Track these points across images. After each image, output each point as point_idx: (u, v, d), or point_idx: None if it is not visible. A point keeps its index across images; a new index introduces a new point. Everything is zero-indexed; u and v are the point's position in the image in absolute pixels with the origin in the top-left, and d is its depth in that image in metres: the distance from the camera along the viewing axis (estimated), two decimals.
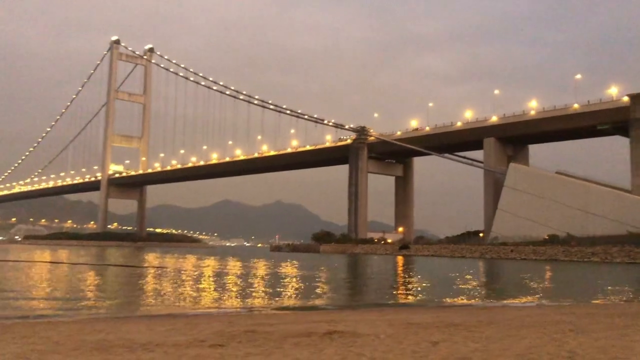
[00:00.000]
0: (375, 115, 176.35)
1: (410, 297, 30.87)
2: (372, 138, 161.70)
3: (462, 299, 29.18)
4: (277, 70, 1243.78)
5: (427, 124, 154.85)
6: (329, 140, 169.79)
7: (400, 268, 68.24)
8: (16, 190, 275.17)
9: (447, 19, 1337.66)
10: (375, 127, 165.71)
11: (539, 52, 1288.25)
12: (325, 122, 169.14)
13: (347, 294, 32.69)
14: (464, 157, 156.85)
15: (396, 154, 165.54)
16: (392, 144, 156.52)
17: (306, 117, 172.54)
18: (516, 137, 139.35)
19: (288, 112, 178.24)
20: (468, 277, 49.07)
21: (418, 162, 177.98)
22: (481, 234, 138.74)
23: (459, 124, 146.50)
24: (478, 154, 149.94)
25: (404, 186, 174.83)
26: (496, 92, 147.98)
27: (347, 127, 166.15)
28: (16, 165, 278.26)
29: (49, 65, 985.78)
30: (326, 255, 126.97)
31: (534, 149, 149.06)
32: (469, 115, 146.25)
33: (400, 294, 32.98)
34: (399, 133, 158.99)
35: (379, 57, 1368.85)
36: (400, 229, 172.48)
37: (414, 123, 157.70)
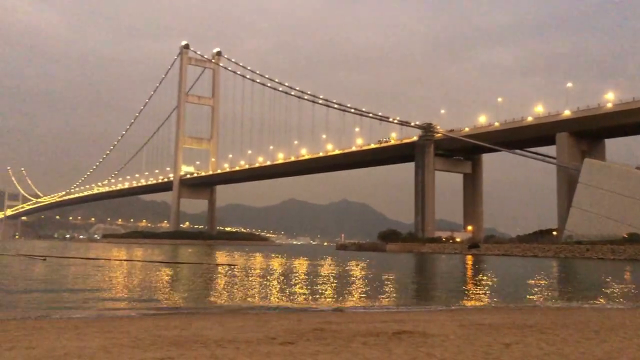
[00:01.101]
0: (442, 111, 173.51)
1: (480, 297, 30.17)
2: (439, 135, 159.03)
3: (535, 300, 28.24)
4: (341, 69, 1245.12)
5: (495, 119, 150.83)
6: (394, 138, 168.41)
7: (470, 268, 66.79)
8: (95, 191, 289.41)
9: (515, 11, 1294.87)
10: (442, 123, 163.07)
11: (616, 43, 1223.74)
12: (390, 119, 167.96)
13: (414, 294, 32.34)
14: (535, 153, 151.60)
15: (464, 151, 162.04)
16: (459, 140, 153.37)
17: (371, 115, 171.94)
18: (591, 132, 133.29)
19: (352, 110, 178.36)
20: (541, 277, 47.40)
21: (487, 159, 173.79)
22: (554, 233, 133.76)
23: (529, 118, 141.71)
24: (550, 150, 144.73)
25: (472, 184, 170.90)
26: (569, 85, 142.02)
27: (412, 124, 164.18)
28: (94, 167, 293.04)
29: (123, 70, 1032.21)
30: (393, 254, 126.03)
31: (611, 144, 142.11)
32: (539, 109, 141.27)
33: (470, 294, 32.29)
34: (466, 129, 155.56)
35: (445, 52, 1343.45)
36: (469, 228, 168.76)
37: (482, 119, 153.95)
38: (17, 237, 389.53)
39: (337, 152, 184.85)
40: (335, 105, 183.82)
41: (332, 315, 19.46)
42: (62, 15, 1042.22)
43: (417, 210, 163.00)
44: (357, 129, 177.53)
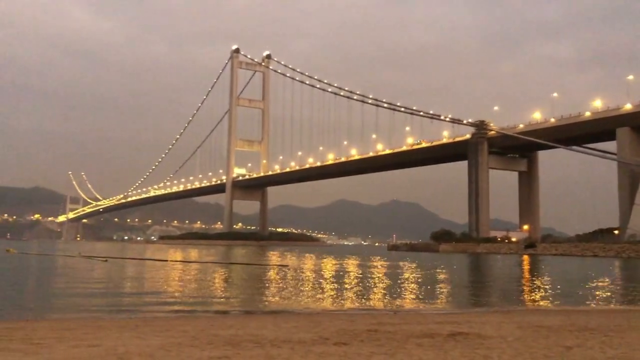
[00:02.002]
0: (495, 108, 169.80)
1: (539, 298, 29.32)
2: (493, 132, 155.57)
3: (596, 302, 27.22)
4: (391, 68, 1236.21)
5: (552, 115, 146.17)
6: (446, 136, 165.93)
7: (527, 268, 65.02)
8: (151, 194, 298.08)
9: (571, 3, 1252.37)
10: (496, 120, 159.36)
11: None
12: (442, 117, 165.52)
13: (469, 295, 31.76)
14: (594, 149, 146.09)
15: (519, 148, 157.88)
16: (514, 137, 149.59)
17: (422, 113, 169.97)
18: None
19: (402, 109, 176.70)
20: (602, 277, 45.64)
21: (543, 156, 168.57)
22: (616, 232, 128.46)
23: (587, 113, 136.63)
24: (610, 146, 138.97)
25: (528, 182, 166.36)
26: (630, 77, 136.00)
27: (465, 122, 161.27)
28: (151, 171, 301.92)
29: (176, 75, 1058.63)
30: (446, 254, 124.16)
31: None
32: (598, 104, 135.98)
33: (527, 295, 31.43)
34: (521, 126, 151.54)
35: (498, 47, 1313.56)
36: (526, 227, 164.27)
37: (537, 115, 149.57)
38: (78, 238, 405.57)
39: (387, 151, 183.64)
40: (385, 105, 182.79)
41: (385, 316, 19.34)
42: (120, 24, 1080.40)
43: (470, 209, 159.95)
44: (407, 128, 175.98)
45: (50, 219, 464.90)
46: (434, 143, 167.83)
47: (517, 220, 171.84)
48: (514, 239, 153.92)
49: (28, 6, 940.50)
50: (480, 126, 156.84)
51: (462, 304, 26.15)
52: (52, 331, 13.91)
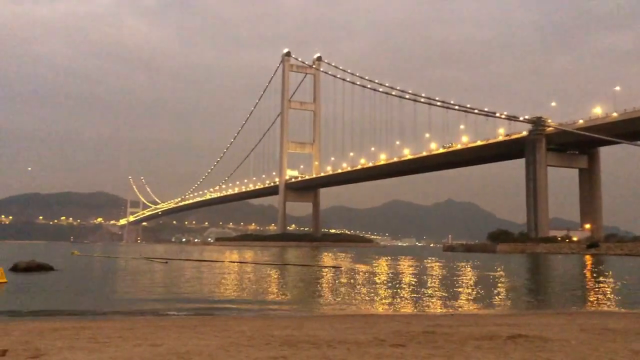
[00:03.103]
0: (553, 104, 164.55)
1: (603, 301, 28.18)
2: (551, 129, 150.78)
3: None
4: (443, 65, 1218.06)
5: (613, 109, 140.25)
6: (501, 133, 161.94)
7: (589, 269, 62.63)
8: (207, 197, 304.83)
9: None
10: (553, 116, 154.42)
11: None
12: (497, 114, 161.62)
13: (529, 296, 30.87)
14: None
15: (579, 145, 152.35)
16: (573, 133, 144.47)
17: (476, 111, 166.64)
18: None
19: (456, 107, 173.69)
20: None
21: (605, 152, 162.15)
22: None
23: None
24: None
25: (589, 179, 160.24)
26: None
27: (521, 118, 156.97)
28: (206, 174, 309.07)
29: (228, 80, 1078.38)
30: (504, 255, 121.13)
31: None
32: None
33: (591, 297, 30.25)
34: (581, 121, 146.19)
35: (553, 40, 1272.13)
36: (587, 226, 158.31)
37: (597, 110, 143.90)
38: (139, 241, 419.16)
39: (441, 150, 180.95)
40: (438, 103, 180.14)
41: (442, 318, 19.04)
42: (173, 32, 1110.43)
43: (529, 208, 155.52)
44: (461, 127, 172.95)
45: (112, 222, 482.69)
46: (490, 141, 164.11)
47: (578, 219, 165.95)
48: (575, 239, 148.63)
49: (85, 18, 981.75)
50: (538, 123, 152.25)
51: (522, 306, 25.45)
52: (116, 331, 14.41)
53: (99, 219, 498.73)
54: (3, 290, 30.26)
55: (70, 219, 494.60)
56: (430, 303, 25.74)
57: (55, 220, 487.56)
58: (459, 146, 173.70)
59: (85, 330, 14.34)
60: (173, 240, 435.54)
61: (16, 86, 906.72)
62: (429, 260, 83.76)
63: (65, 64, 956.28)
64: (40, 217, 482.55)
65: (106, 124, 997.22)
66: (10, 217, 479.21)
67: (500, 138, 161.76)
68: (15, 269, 44.10)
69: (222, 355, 10.51)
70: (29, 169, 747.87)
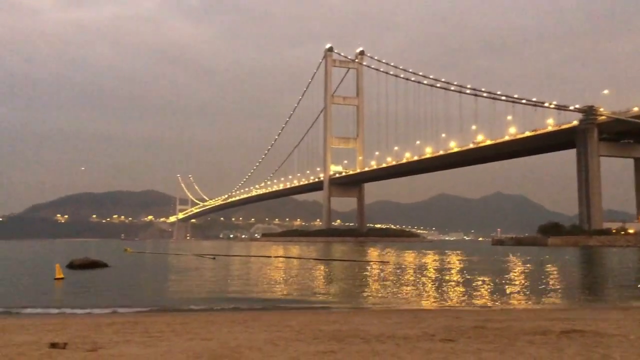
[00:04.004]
0: (605, 92, 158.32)
1: None
2: (603, 118, 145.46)
3: None
4: (489, 55, 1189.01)
5: None
6: (550, 124, 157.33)
7: None
8: (253, 193, 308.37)
9: None
10: (606, 105, 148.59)
11: None
12: (546, 104, 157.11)
13: (583, 290, 29.96)
14: None
15: (634, 134, 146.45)
16: (627, 122, 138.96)
17: (524, 101, 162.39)
18: None
19: (503, 98, 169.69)
20: None
21: None
22: None
23: None
24: None
25: None
26: None
27: (571, 107, 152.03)
28: (252, 171, 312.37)
29: (272, 78, 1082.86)
30: (555, 248, 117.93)
31: None
32: None
33: None
34: (636, 109, 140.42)
35: (604, 25, 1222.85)
36: None
37: None
38: (188, 237, 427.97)
39: (488, 143, 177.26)
40: (485, 94, 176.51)
41: (492, 313, 18.73)
42: (216, 31, 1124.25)
43: (581, 200, 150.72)
44: (509, 118, 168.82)
45: (162, 219, 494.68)
46: (539, 132, 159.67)
47: (633, 210, 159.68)
48: (631, 231, 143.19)
49: (131, 21, 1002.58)
50: (589, 112, 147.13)
51: (576, 300, 24.74)
52: (168, 325, 14.78)
53: (150, 217, 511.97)
54: (61, 286, 31.51)
55: (122, 217, 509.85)
56: (480, 297, 25.34)
57: (108, 219, 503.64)
58: (506, 138, 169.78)
59: (139, 325, 14.77)
60: (221, 236, 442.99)
61: (67, 90, 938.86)
62: (478, 255, 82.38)
63: (112, 67, 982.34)
64: (94, 216, 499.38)
65: (154, 124, 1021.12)
66: (66, 216, 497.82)
67: (550, 128, 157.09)
68: (72, 265, 45.82)
69: (271, 349, 10.64)
70: (82, 168, 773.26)
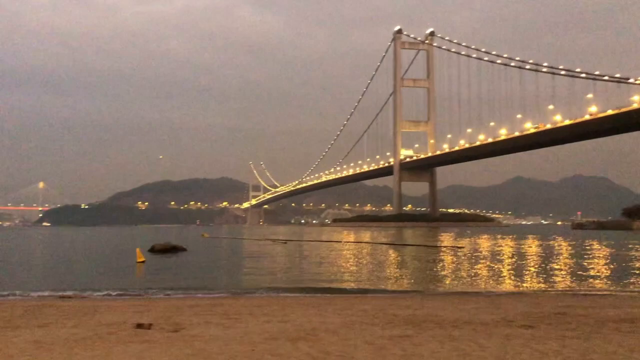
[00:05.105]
0: None
1: None
2: None
3: None
4: (564, 30, 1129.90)
5: None
6: (636, 101, 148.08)
7: None
8: (323, 179, 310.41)
9: None
10: None
11: None
12: (631, 80, 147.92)
13: None
14: None
15: None
16: None
17: (606, 77, 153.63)
18: None
19: (583, 75, 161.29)
20: None
21: None
22: None
23: None
24: None
25: None
26: None
27: None
28: (321, 157, 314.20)
29: (339, 63, 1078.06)
30: None
31: None
32: None
33: None
34: None
35: None
36: None
37: None
38: (261, 223, 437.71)
39: (566, 123, 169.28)
40: (562, 72, 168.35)
41: (572, 299, 18.00)
42: (285, 19, 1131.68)
43: None
44: (589, 96, 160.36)
45: (236, 205, 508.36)
46: (622, 110, 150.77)
47: None
48: None
49: (201, 12, 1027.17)
50: None
51: None
52: (245, 307, 15.21)
53: (224, 203, 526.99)
54: (143, 269, 33.08)
55: (199, 203, 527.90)
56: (560, 283, 24.40)
57: (185, 205, 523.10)
58: (586, 117, 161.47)
59: (218, 307, 15.28)
60: (292, 222, 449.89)
61: (142, 82, 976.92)
62: (556, 239, 79.31)
63: (186, 58, 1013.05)
64: (172, 203, 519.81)
65: (225, 113, 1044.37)
66: (146, 204, 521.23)
67: (635, 106, 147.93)
68: (153, 250, 48.04)
69: (346, 332, 10.71)
70: (160, 157, 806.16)
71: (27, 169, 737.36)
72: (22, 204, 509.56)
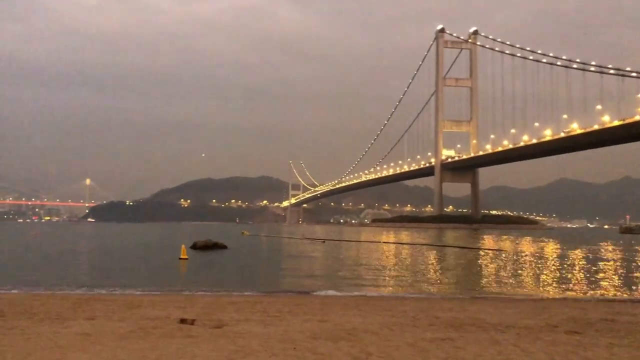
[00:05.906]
0: None
1: None
2: None
3: None
4: (613, 27, 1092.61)
5: None
6: None
7: None
8: (363, 179, 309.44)
9: None
10: None
11: None
12: None
13: None
14: None
15: None
16: None
17: None
18: None
19: (633, 74, 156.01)
20: None
21: None
22: None
23: None
24: None
25: None
26: None
27: None
28: (361, 157, 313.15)
29: (380, 61, 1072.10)
30: None
31: None
32: None
33: None
34: None
35: None
36: None
37: None
38: (300, 222, 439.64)
39: (615, 123, 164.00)
40: (612, 71, 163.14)
41: (622, 305, 17.43)
42: (326, 17, 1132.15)
43: None
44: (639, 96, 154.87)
45: (275, 204, 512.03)
46: None
47: None
48: None
49: (243, 12, 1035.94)
50: None
51: None
52: (285, 306, 15.30)
53: (264, 202, 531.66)
54: (185, 266, 33.70)
55: (240, 201, 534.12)
56: (608, 289, 23.66)
57: (226, 203, 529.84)
58: (637, 118, 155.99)
59: (258, 305, 15.43)
60: (331, 221, 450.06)
61: (185, 82, 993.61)
62: (603, 243, 76.94)
63: (227, 57, 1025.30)
64: (214, 201, 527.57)
65: (267, 112, 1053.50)
66: (189, 201, 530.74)
67: None
68: (195, 247, 48.86)
69: (387, 333, 10.66)
70: (203, 155, 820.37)
71: (74, 166, 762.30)
72: (69, 200, 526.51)
